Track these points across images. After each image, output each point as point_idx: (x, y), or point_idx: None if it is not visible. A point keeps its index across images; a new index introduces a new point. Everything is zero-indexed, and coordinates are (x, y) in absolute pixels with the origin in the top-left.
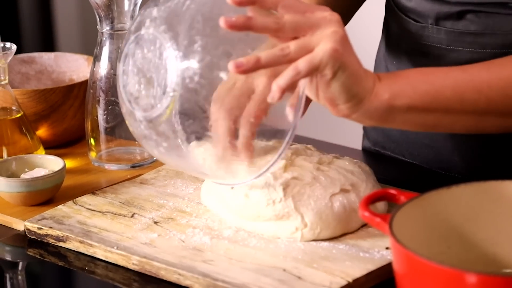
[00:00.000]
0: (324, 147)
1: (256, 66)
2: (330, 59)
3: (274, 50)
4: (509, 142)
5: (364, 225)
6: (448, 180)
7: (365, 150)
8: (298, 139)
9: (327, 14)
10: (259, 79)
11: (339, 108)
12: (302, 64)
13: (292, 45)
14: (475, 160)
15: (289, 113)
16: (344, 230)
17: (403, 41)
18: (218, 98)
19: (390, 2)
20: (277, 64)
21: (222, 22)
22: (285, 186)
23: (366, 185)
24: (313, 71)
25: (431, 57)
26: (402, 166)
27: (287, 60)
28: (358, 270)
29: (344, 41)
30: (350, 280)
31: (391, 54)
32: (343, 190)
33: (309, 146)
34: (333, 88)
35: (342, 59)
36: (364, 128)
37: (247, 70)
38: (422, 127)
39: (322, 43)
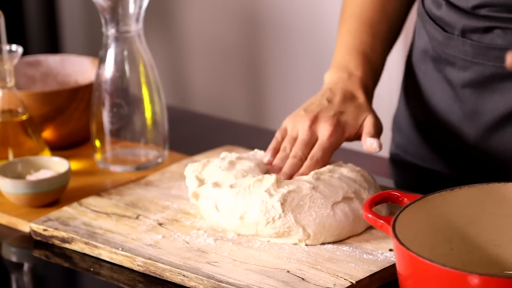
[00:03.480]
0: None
1: None
2: None
3: None
4: None
5: (368, 227)
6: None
7: (391, 155)
8: None
9: None
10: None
11: None
12: None
13: None
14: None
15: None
16: (348, 235)
17: (431, 48)
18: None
19: (421, 7)
20: None
21: None
22: (283, 202)
23: (369, 193)
24: None
25: (457, 67)
26: (423, 173)
27: None
28: (361, 272)
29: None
30: (354, 281)
31: (419, 60)
32: (346, 198)
33: None
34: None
35: None
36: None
37: None
38: None
39: None
